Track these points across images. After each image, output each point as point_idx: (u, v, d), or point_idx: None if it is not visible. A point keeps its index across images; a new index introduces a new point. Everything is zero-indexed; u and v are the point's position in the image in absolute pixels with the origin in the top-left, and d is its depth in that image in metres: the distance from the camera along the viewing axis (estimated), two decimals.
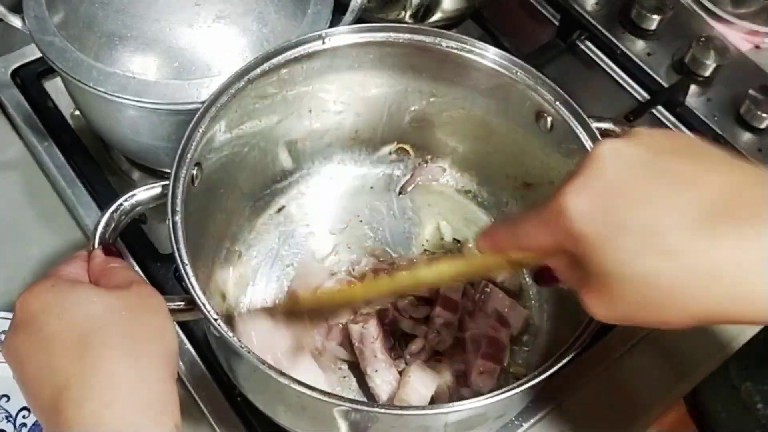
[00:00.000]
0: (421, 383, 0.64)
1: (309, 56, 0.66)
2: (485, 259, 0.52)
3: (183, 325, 0.69)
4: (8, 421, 0.66)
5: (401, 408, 0.55)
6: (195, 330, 0.69)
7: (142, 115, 0.68)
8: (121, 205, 0.56)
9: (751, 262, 0.37)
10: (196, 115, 0.60)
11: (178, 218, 0.55)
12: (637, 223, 0.39)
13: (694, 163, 0.40)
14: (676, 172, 0.40)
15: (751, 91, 0.89)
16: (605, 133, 0.63)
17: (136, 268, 0.72)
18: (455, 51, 0.67)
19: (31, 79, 0.84)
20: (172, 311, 0.51)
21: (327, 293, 0.69)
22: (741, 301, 0.38)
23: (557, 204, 0.41)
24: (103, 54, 0.65)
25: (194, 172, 0.59)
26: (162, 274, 0.71)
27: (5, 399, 0.66)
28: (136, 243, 0.73)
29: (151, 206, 0.58)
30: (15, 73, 0.85)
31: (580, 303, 0.44)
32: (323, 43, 0.66)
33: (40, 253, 0.76)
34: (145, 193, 0.57)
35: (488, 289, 0.71)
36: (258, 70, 0.63)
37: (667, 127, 0.91)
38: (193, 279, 0.53)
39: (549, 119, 0.65)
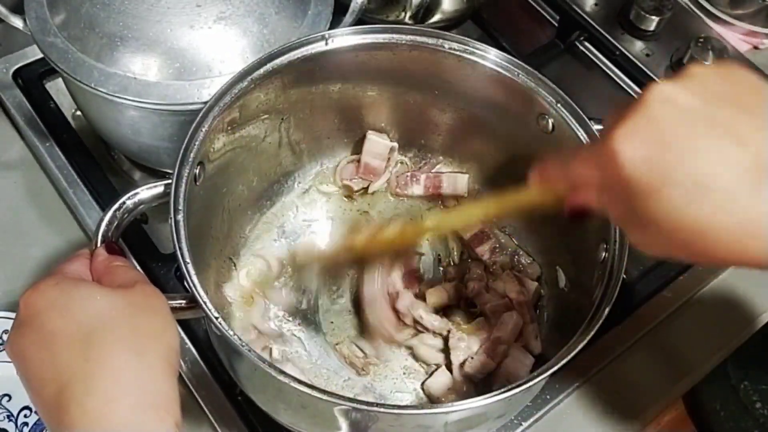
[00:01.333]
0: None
1: (312, 57, 0.66)
2: (532, 193, 0.54)
3: (184, 325, 0.69)
4: (9, 420, 0.66)
5: (400, 407, 0.55)
6: (196, 329, 0.70)
7: (143, 115, 0.68)
8: (124, 203, 0.57)
9: None
10: (200, 115, 0.60)
11: (180, 217, 0.55)
12: (686, 174, 0.39)
13: (745, 114, 0.40)
14: (727, 125, 0.40)
15: None
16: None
17: (138, 267, 0.72)
18: (457, 52, 0.67)
19: (32, 80, 0.84)
20: (174, 309, 0.52)
21: (380, 237, 0.69)
22: None
23: (608, 146, 0.42)
24: (105, 55, 0.66)
25: (197, 171, 0.59)
26: (163, 273, 0.71)
27: (6, 398, 0.67)
28: (138, 243, 0.73)
29: (154, 205, 0.58)
30: (17, 74, 0.85)
31: (625, 236, 0.46)
32: (326, 44, 0.66)
33: (41, 254, 0.76)
34: (147, 191, 0.57)
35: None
36: (261, 71, 0.64)
37: None
38: (194, 277, 0.53)
39: (550, 121, 0.66)
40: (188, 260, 0.54)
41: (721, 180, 0.39)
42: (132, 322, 0.47)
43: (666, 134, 0.40)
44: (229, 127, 0.64)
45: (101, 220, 0.56)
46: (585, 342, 0.53)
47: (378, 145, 0.77)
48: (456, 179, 0.78)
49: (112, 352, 0.45)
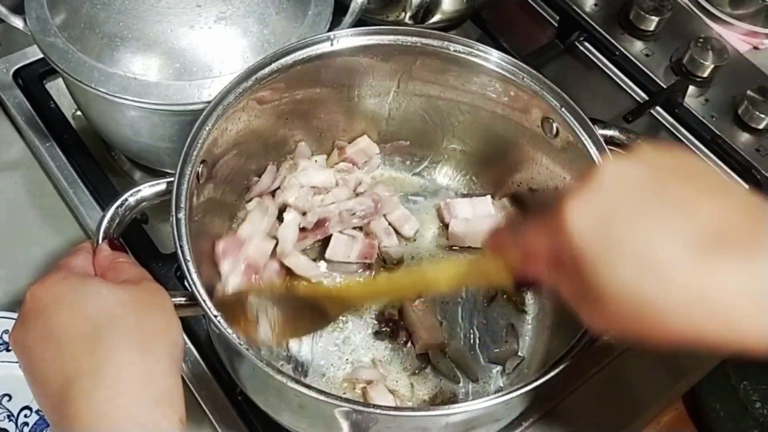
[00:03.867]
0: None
1: (317, 57, 0.66)
2: (487, 262, 0.53)
3: (185, 326, 0.68)
4: (10, 420, 0.66)
5: (398, 409, 0.55)
6: (197, 330, 0.70)
7: (143, 115, 0.68)
8: (126, 200, 0.57)
9: (740, 293, 0.38)
10: (203, 113, 0.60)
11: (181, 215, 0.56)
12: (633, 244, 0.40)
13: (692, 188, 0.41)
14: (675, 196, 0.41)
15: (749, 92, 0.89)
16: (610, 140, 0.64)
17: None
18: (462, 55, 0.67)
19: (32, 80, 0.84)
20: (175, 307, 0.52)
21: (323, 289, 0.69)
22: (730, 329, 0.39)
23: (560, 215, 0.42)
24: (105, 55, 0.66)
25: (199, 169, 0.60)
26: (163, 273, 0.71)
27: (7, 398, 0.67)
28: (138, 242, 0.74)
29: (156, 202, 0.58)
30: (17, 74, 0.85)
31: (575, 314, 0.45)
32: (332, 44, 0.66)
33: (41, 253, 0.76)
34: (150, 189, 0.58)
35: None
36: (266, 70, 0.64)
37: (665, 127, 0.91)
38: (195, 275, 0.53)
39: (554, 125, 0.66)
40: (189, 258, 0.54)
41: (665, 252, 0.39)
42: (138, 318, 0.47)
43: (616, 204, 0.41)
44: (233, 126, 0.64)
45: (103, 216, 0.56)
46: (584, 347, 0.53)
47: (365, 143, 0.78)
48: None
49: (119, 348, 0.45)
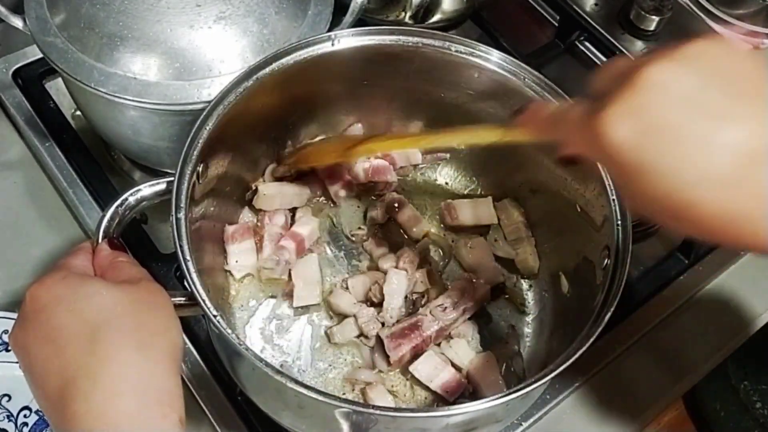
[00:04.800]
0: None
1: (318, 57, 0.66)
2: (515, 132, 0.54)
3: (185, 326, 0.68)
4: (9, 420, 0.66)
5: (398, 410, 0.55)
6: (197, 330, 0.70)
7: (143, 115, 0.68)
8: (126, 199, 0.57)
9: None
10: (204, 113, 0.60)
11: (181, 215, 0.56)
12: (677, 160, 0.39)
13: (742, 98, 0.39)
14: (723, 109, 0.39)
15: None
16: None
17: None
18: (463, 55, 0.67)
19: (32, 80, 0.84)
20: (174, 306, 0.52)
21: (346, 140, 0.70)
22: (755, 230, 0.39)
23: (597, 124, 0.41)
24: (104, 55, 0.66)
25: (200, 169, 0.59)
26: (163, 273, 0.71)
27: (6, 398, 0.67)
28: (138, 243, 0.73)
29: (156, 202, 0.58)
30: (16, 74, 0.85)
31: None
32: (333, 44, 0.66)
33: (41, 253, 0.76)
34: (150, 188, 0.58)
35: None
36: (267, 70, 0.64)
37: None
38: (194, 275, 0.53)
39: None
40: (188, 258, 0.54)
41: (713, 165, 0.38)
42: (137, 318, 0.47)
43: (658, 120, 0.39)
44: (233, 126, 0.64)
45: (103, 216, 0.56)
46: (584, 348, 0.53)
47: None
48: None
49: (118, 348, 0.45)
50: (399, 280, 0.69)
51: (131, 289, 0.49)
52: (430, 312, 0.68)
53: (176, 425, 0.45)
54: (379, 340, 0.68)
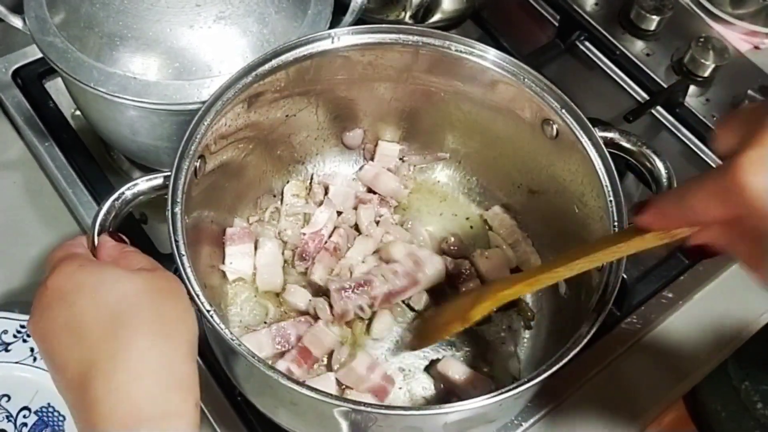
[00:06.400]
0: None
1: (317, 54, 0.66)
2: (639, 239, 0.48)
3: None
4: (9, 420, 0.66)
5: (389, 408, 0.54)
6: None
7: (142, 115, 0.68)
8: (123, 193, 0.57)
9: None
10: (202, 108, 0.60)
11: (178, 209, 0.56)
12: None
13: None
14: None
15: (750, 92, 0.89)
16: (610, 142, 0.63)
17: None
18: (463, 55, 0.67)
19: (31, 80, 0.84)
20: None
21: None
22: None
23: (737, 177, 0.38)
24: (104, 54, 0.65)
25: (197, 164, 0.60)
26: None
27: (6, 399, 0.67)
28: (137, 242, 0.73)
29: (153, 197, 0.58)
30: (16, 74, 0.85)
31: (750, 274, 0.42)
32: (332, 42, 0.66)
33: (40, 253, 0.76)
34: (147, 183, 0.58)
35: None
36: (266, 66, 0.64)
37: (666, 127, 0.91)
38: (189, 269, 0.54)
39: (555, 126, 0.66)
40: (183, 252, 0.54)
41: None
42: (156, 305, 0.48)
43: None
44: (232, 122, 0.64)
45: (100, 209, 0.56)
46: (577, 350, 0.53)
47: (389, 148, 0.79)
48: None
49: (139, 334, 0.46)
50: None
51: (149, 276, 0.50)
52: (382, 274, 0.69)
53: (193, 408, 0.46)
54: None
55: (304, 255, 0.73)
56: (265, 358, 0.65)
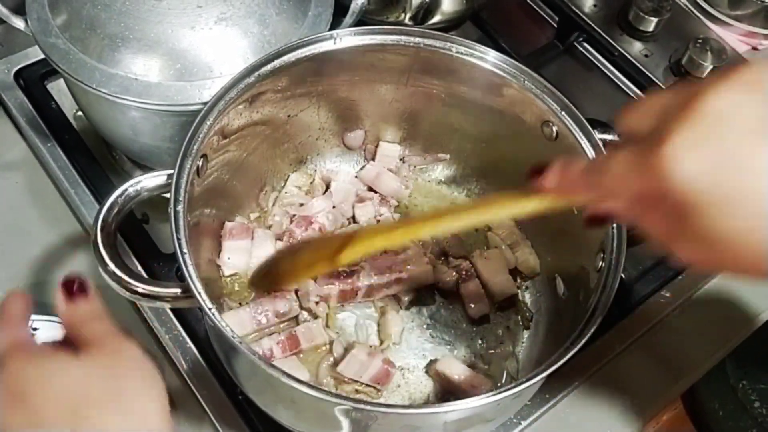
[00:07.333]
0: None
1: (319, 55, 0.66)
2: (539, 199, 0.48)
3: (185, 324, 0.70)
4: None
5: (388, 406, 0.55)
6: (197, 329, 0.70)
7: (144, 116, 0.68)
8: (126, 190, 0.57)
9: None
10: (205, 108, 0.61)
11: (180, 207, 0.56)
12: (755, 193, 0.36)
13: None
14: None
15: None
16: (608, 145, 0.64)
17: (139, 267, 0.73)
18: (464, 56, 0.67)
19: (34, 81, 0.85)
20: (170, 299, 0.52)
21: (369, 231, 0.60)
22: None
23: (662, 155, 0.37)
24: (106, 55, 0.66)
25: (200, 163, 0.60)
26: (164, 273, 0.72)
27: None
28: (139, 242, 0.74)
29: (155, 195, 0.59)
30: (18, 75, 0.85)
31: (666, 249, 0.42)
32: (335, 43, 0.66)
33: (42, 254, 0.76)
34: (150, 180, 0.58)
35: None
36: (269, 67, 0.64)
37: None
38: (191, 267, 0.54)
39: (554, 128, 0.66)
40: (185, 250, 0.54)
41: None
42: (114, 385, 0.45)
43: (730, 149, 0.36)
44: (234, 122, 0.64)
45: (102, 205, 0.57)
46: (575, 350, 0.53)
47: (390, 149, 0.79)
48: None
49: (99, 417, 0.43)
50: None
51: (100, 355, 0.46)
52: (368, 267, 0.70)
53: None
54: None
55: (290, 239, 0.73)
56: (247, 335, 0.66)
